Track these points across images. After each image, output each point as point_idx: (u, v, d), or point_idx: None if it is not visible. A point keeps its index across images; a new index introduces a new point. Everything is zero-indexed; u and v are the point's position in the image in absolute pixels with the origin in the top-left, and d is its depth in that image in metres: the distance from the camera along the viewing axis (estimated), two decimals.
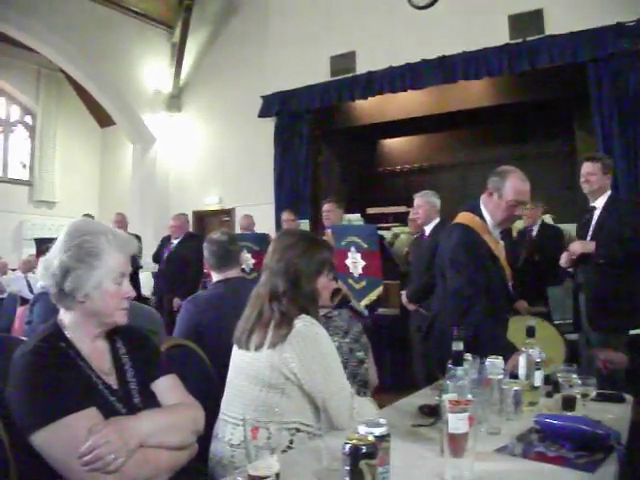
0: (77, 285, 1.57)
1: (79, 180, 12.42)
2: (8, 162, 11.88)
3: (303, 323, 1.87)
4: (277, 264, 1.98)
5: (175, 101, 10.43)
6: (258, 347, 1.90)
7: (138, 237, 7.25)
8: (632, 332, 3.47)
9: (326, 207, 5.54)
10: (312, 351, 1.84)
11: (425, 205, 4.72)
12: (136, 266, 6.75)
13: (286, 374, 1.84)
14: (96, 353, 1.64)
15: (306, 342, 1.84)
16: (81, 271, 1.57)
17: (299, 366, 1.83)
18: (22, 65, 11.42)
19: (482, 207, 2.82)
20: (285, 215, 6.45)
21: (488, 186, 2.80)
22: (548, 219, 6.11)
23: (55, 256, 1.59)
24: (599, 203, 3.71)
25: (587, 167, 3.76)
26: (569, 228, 5.83)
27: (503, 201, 2.73)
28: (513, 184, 2.71)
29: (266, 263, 2.04)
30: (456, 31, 7.11)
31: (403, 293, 4.83)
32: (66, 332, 1.61)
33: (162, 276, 6.91)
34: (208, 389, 2.32)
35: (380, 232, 5.86)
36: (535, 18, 6.62)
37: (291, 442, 1.79)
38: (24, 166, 12.09)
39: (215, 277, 3.03)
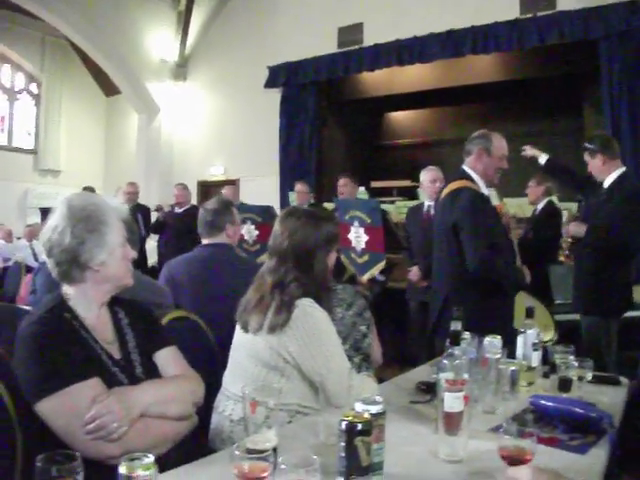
0: (93, 254, 1.60)
1: (84, 149, 12.40)
2: (13, 130, 11.86)
3: (302, 307, 1.86)
4: (287, 247, 1.95)
5: (181, 70, 10.35)
6: (256, 330, 1.91)
7: (147, 208, 7.27)
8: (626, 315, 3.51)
9: (341, 182, 5.56)
10: (311, 335, 1.84)
11: (442, 179, 4.68)
12: (142, 236, 6.75)
13: (285, 357, 1.86)
14: (100, 324, 1.67)
15: (305, 326, 1.85)
16: (95, 240, 1.60)
17: (297, 350, 1.84)
18: (27, 32, 11.32)
19: (470, 172, 3.06)
20: (298, 186, 6.26)
21: (474, 150, 3.05)
22: (555, 199, 6.09)
23: (64, 232, 1.59)
24: (606, 183, 3.61)
25: None
26: (573, 206, 5.81)
27: (494, 157, 3.03)
28: (498, 141, 3.05)
29: (273, 246, 2.00)
30: (465, 5, 7.03)
31: (413, 269, 4.80)
32: (70, 303, 1.63)
33: (172, 245, 6.80)
34: (209, 361, 2.35)
35: (384, 206, 5.86)
36: None
37: (289, 423, 1.81)
38: (29, 134, 12.07)
39: (202, 242, 3.11)
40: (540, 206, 5.25)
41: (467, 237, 2.90)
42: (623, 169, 3.59)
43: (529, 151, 4.06)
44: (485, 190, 3.06)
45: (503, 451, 1.30)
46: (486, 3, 6.86)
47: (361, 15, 7.97)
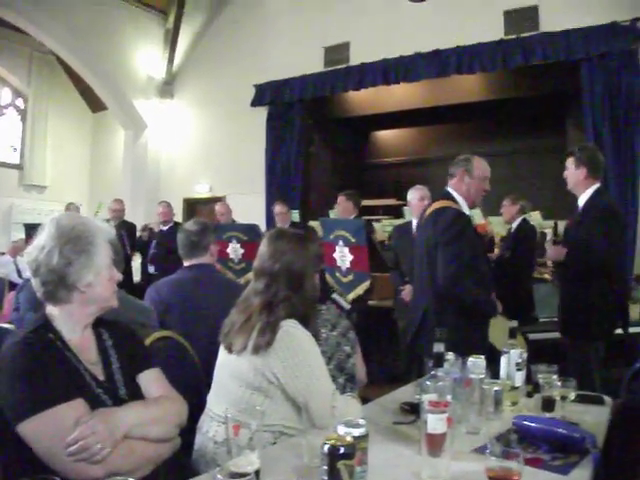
0: (80, 275, 1.59)
1: (70, 164, 12.31)
2: None
3: (286, 328, 1.87)
4: (278, 269, 1.97)
5: (168, 88, 10.36)
6: (240, 351, 1.91)
7: (132, 225, 7.24)
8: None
9: (338, 200, 5.57)
10: (294, 356, 1.84)
11: (430, 198, 4.63)
12: (127, 254, 6.71)
13: (269, 378, 1.86)
14: (84, 344, 1.66)
15: (289, 347, 1.85)
16: (83, 261, 1.59)
17: (281, 371, 1.84)
18: (14, 47, 11.25)
19: (453, 193, 3.17)
20: (277, 208, 6.23)
21: (456, 172, 3.18)
22: (536, 215, 6.14)
23: (52, 252, 1.58)
24: (581, 201, 3.48)
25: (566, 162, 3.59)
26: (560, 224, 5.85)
27: (475, 179, 3.15)
28: (478, 163, 3.18)
29: (261, 268, 2.01)
30: (451, 25, 7.11)
31: (406, 288, 4.61)
32: (55, 324, 1.62)
33: (158, 262, 6.74)
34: (194, 381, 2.34)
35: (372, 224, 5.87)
36: (530, 14, 6.65)
37: (274, 445, 1.81)
38: (14, 149, 11.98)
39: (185, 264, 3.08)
40: (515, 225, 5.29)
41: (441, 254, 2.98)
42: (598, 185, 3.46)
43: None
44: (467, 211, 3.14)
45: (490, 472, 1.29)
46: (471, 24, 6.96)
47: (347, 35, 8.04)
